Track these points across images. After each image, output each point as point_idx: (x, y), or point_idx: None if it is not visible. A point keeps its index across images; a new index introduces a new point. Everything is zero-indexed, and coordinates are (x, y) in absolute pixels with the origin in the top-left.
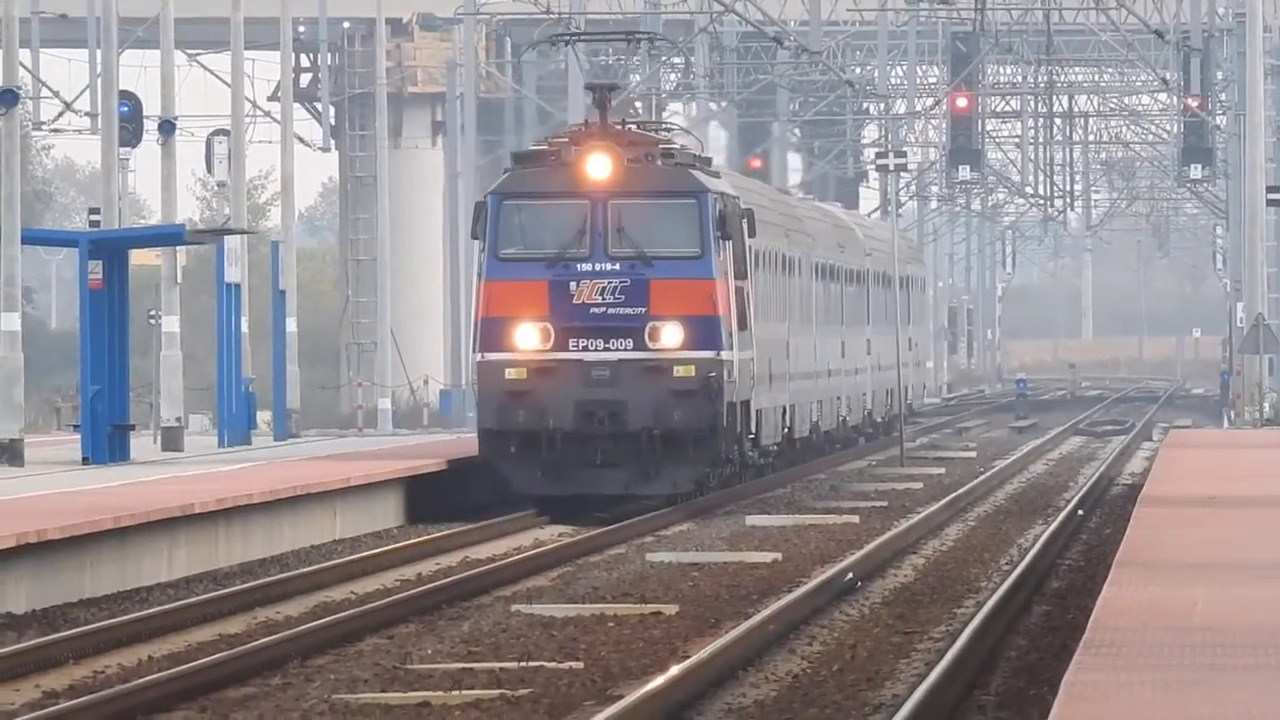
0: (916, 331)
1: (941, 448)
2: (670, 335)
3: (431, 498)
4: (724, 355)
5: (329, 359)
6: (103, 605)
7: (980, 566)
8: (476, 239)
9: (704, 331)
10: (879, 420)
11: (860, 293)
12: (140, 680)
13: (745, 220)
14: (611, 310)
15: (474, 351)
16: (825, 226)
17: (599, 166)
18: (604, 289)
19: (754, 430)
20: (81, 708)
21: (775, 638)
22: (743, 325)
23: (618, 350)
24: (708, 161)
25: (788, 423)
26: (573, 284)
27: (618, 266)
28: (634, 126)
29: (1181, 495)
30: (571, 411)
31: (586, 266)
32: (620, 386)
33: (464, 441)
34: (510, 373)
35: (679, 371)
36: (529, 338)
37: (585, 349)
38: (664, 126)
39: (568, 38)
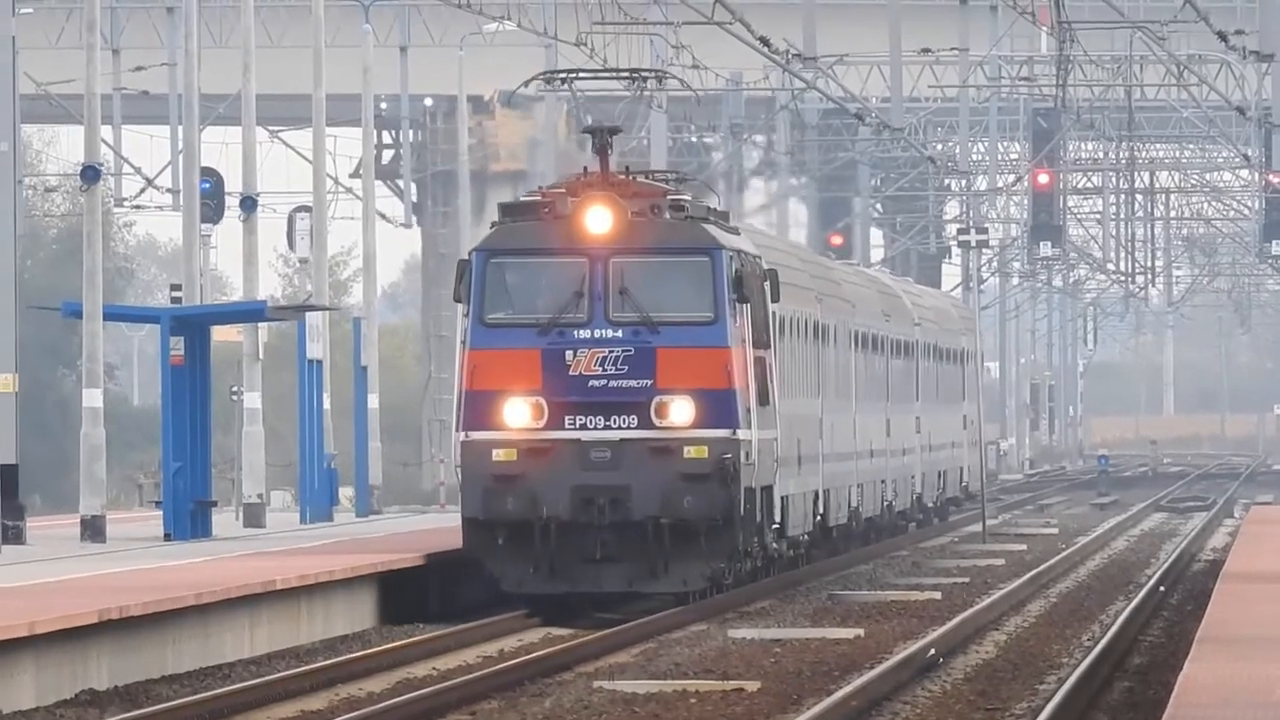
0: (971, 408)
1: (1023, 524)
2: (680, 412)
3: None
4: (741, 434)
5: (411, 435)
6: (185, 681)
7: (1062, 643)
8: (460, 302)
9: (718, 407)
10: (930, 505)
11: (908, 366)
12: None
13: (768, 282)
14: (613, 383)
15: (456, 430)
16: (868, 292)
17: (599, 220)
18: (604, 359)
19: (778, 519)
20: None
21: (857, 714)
22: (764, 400)
23: (620, 429)
24: (724, 215)
25: (820, 510)
26: (569, 353)
27: (620, 333)
28: (639, 175)
29: (1264, 571)
30: (568, 498)
31: (585, 333)
32: (623, 470)
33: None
34: (498, 454)
35: (690, 453)
36: (519, 414)
37: (583, 427)
38: (674, 176)
39: (564, 75)
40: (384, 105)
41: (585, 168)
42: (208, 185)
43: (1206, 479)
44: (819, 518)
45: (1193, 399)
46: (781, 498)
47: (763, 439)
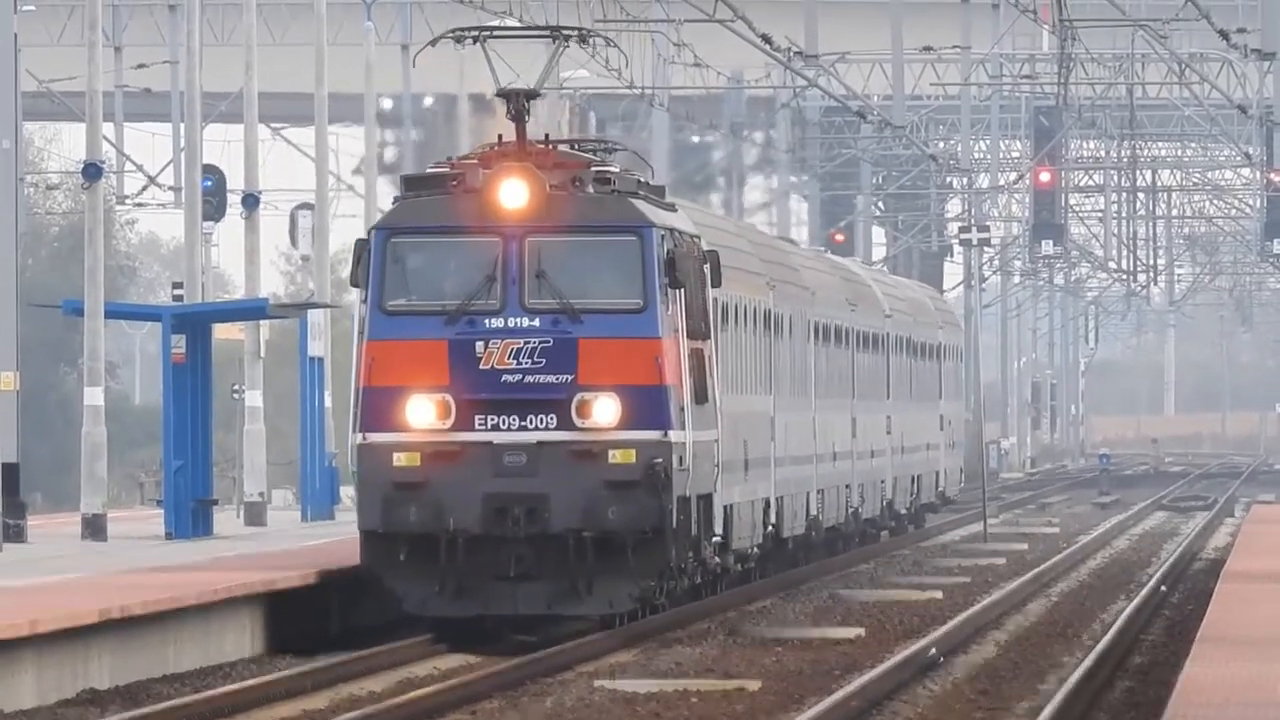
0: (950, 408)
1: (1024, 523)
2: (604, 411)
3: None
4: (674, 436)
5: None
6: (186, 681)
7: (1063, 642)
8: (357, 287)
9: (647, 406)
10: (903, 512)
11: (878, 361)
12: None
13: (707, 265)
14: (529, 378)
15: (353, 431)
16: (831, 280)
17: (514, 194)
18: (519, 351)
19: (720, 531)
20: None
21: (858, 714)
22: (701, 398)
23: (537, 430)
24: (660, 191)
25: (772, 519)
26: (479, 344)
27: (537, 322)
28: (561, 144)
29: (1264, 571)
30: (478, 508)
31: (497, 322)
32: (540, 476)
33: None
34: (399, 458)
35: (615, 457)
36: (423, 413)
37: (496, 428)
38: (601, 146)
39: (476, 34)
40: (387, 103)
41: (500, 136)
42: (210, 183)
43: (1208, 478)
44: (771, 528)
45: (1194, 398)
46: (724, 507)
47: (700, 441)
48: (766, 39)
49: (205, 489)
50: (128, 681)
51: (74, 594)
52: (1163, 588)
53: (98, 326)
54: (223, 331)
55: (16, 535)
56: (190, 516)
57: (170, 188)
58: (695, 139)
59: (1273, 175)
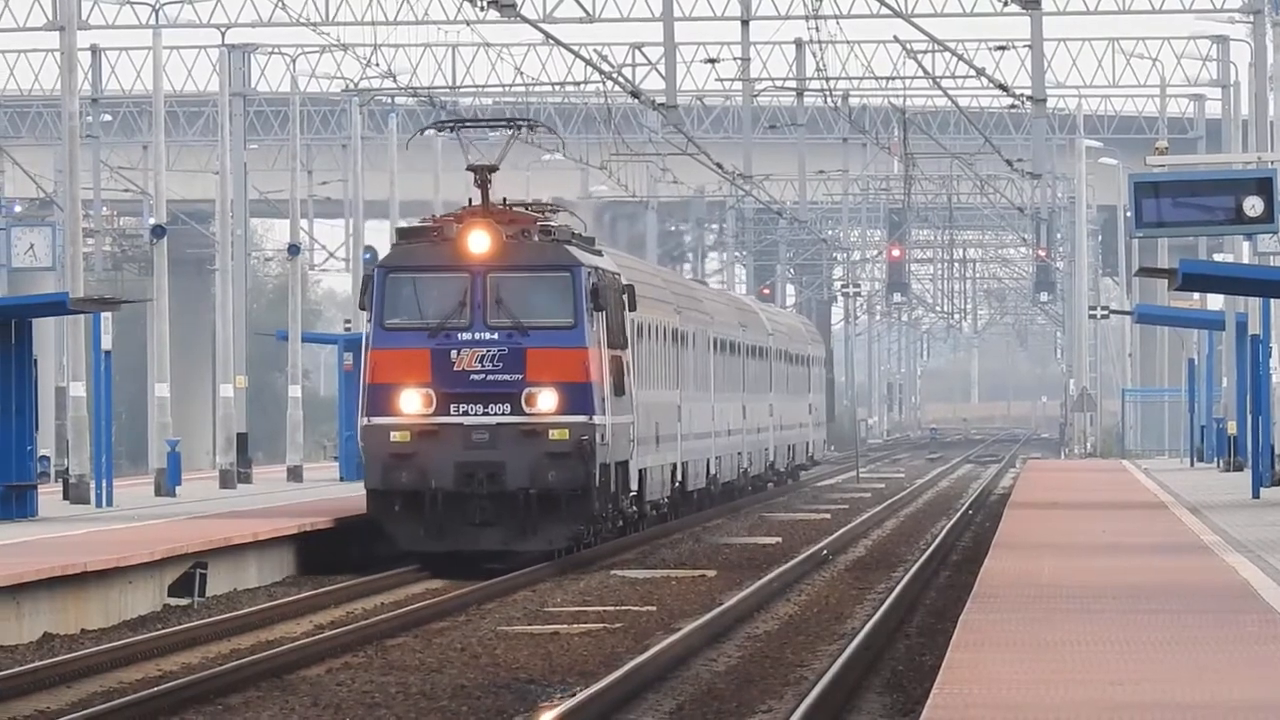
0: (815, 399)
1: (882, 471)
2: (545, 401)
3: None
4: (597, 420)
5: None
6: (351, 574)
7: (907, 546)
8: (364, 310)
9: (577, 397)
10: (781, 470)
11: (763, 365)
12: (380, 616)
13: (625, 294)
14: (490, 377)
15: (361, 415)
16: (726, 308)
17: (479, 242)
18: (483, 357)
19: (635, 488)
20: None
21: (779, 591)
22: (619, 391)
23: (496, 415)
24: (590, 240)
25: (678, 478)
26: (454, 352)
27: (496, 336)
28: (516, 205)
29: (1035, 501)
30: (452, 472)
31: (467, 336)
32: (498, 449)
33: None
34: (395, 435)
35: (554, 435)
36: (412, 403)
37: (465, 413)
38: (549, 207)
39: (453, 124)
40: None
41: (470, 199)
42: (368, 256)
43: (998, 443)
44: (678, 484)
45: (990, 392)
46: (639, 470)
47: (618, 423)
48: (719, 165)
49: None
50: (313, 570)
51: (280, 517)
52: (970, 512)
53: (297, 347)
54: None
55: (245, 479)
56: (355, 467)
57: (343, 259)
58: (673, 229)
59: (1040, 252)
